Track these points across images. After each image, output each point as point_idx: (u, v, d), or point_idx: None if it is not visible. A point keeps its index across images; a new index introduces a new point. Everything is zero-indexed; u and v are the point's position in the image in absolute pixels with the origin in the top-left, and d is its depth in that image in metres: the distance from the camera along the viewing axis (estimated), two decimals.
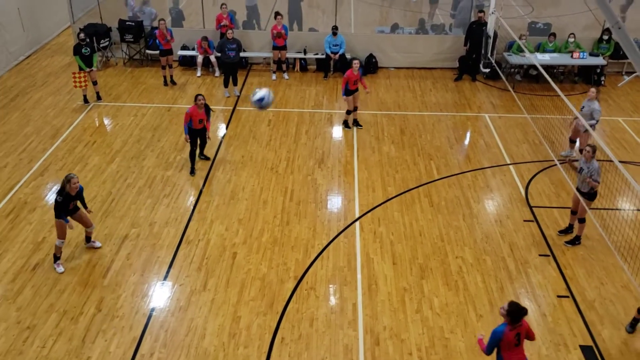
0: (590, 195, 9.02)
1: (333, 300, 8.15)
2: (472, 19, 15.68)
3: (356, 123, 12.97)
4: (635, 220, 9.88)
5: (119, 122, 13.07)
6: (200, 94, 10.68)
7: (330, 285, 8.42)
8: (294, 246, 9.20)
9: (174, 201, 10.29)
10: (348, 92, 12.50)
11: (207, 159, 11.57)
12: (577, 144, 11.57)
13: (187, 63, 16.15)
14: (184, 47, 16.20)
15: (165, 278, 8.54)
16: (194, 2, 19.09)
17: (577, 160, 10.40)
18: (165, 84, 14.99)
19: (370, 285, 8.42)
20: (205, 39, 15.35)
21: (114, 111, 13.62)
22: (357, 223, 9.80)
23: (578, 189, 9.11)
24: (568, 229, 9.57)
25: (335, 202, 10.38)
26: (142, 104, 14.00)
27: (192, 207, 10.12)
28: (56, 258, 8.68)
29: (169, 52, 14.76)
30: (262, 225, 9.69)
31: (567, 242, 9.35)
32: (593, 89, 11.26)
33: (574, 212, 9.41)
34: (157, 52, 15.06)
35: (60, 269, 8.63)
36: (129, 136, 12.47)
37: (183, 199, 10.34)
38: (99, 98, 14.00)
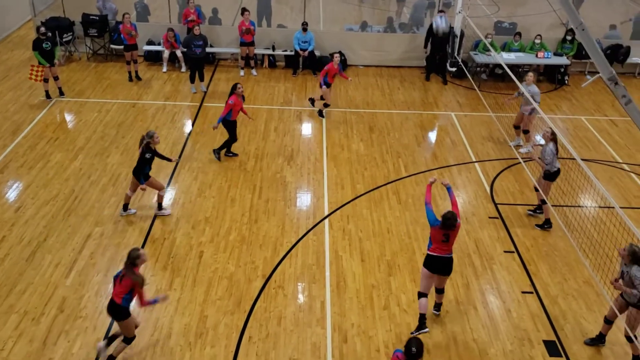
0: (546, 175, 9.50)
1: (301, 299, 8.13)
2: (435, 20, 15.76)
3: (320, 113, 13.31)
4: (596, 217, 10.12)
5: (82, 118, 12.78)
6: (238, 83, 10.91)
7: (299, 283, 8.39)
8: (262, 244, 9.14)
9: (139, 199, 10.10)
10: (327, 84, 12.81)
11: (235, 155, 11.57)
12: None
13: (153, 58, 15.90)
14: (150, 42, 15.93)
15: None
16: None
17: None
18: (130, 79, 14.72)
19: (338, 283, 8.43)
20: (171, 30, 15.13)
21: (77, 107, 13.31)
22: (326, 220, 9.79)
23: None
24: (537, 209, 10.03)
25: (304, 200, 10.35)
26: (107, 99, 13.72)
27: (157, 205, 9.95)
28: (125, 206, 9.60)
29: (134, 47, 14.49)
30: (229, 223, 9.60)
31: (538, 226, 9.78)
32: (531, 74, 11.78)
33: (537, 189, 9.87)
34: (122, 47, 14.77)
35: (132, 210, 9.66)
36: (93, 132, 12.20)
37: (148, 197, 10.17)
38: (61, 93, 13.66)
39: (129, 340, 6.92)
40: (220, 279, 8.41)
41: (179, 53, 15.35)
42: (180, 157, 11.39)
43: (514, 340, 7.59)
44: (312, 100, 13.54)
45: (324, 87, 12.84)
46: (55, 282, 8.22)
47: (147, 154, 9.14)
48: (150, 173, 9.44)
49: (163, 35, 15.29)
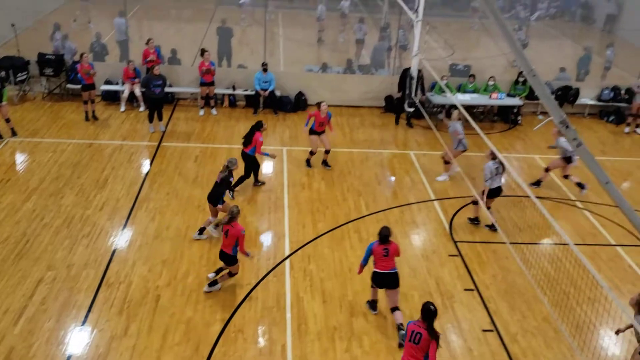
0: (488, 193, 10.59)
1: (262, 342, 7.95)
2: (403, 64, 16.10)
3: (325, 163, 12.90)
4: (552, 254, 10.32)
5: (36, 159, 12.44)
6: (262, 121, 11.47)
7: (259, 327, 8.21)
8: (221, 287, 8.95)
9: (94, 242, 9.82)
10: (312, 131, 12.53)
11: (263, 183, 11.98)
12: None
13: (110, 98, 15.72)
14: (108, 82, 15.78)
15: (83, 323, 8.06)
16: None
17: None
18: (87, 119, 14.48)
19: (299, 325, 8.29)
20: (131, 61, 15.08)
21: (31, 147, 12.97)
22: (287, 261, 9.69)
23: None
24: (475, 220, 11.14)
25: (264, 240, 10.24)
26: (62, 139, 13.43)
27: (113, 248, 9.69)
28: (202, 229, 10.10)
29: (92, 86, 14.33)
30: (187, 266, 9.39)
31: (469, 219, 11.09)
32: (456, 111, 12.42)
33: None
34: (79, 86, 14.58)
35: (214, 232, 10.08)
36: (47, 173, 11.88)
37: (103, 239, 9.90)
38: (14, 134, 13.31)
39: (233, 275, 8.88)
40: (177, 323, 8.17)
41: (137, 92, 15.24)
42: (137, 197, 11.17)
43: None
44: (307, 161, 12.92)
45: (310, 136, 12.55)
46: (2, 331, 7.82)
47: (231, 177, 10.15)
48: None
49: (123, 68, 15.17)
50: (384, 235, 8.05)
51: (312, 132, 12.57)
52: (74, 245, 9.69)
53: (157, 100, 13.88)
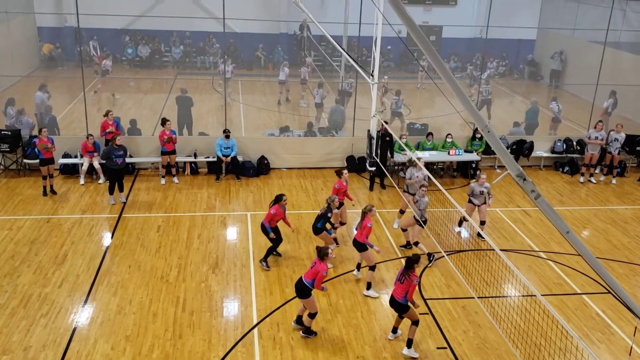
0: (419, 222, 11.50)
1: None
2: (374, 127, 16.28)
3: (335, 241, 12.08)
4: (520, 306, 10.34)
5: None
6: (284, 195, 11.30)
7: None
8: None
9: (53, 321, 9.40)
10: (340, 204, 12.00)
11: (279, 254, 11.75)
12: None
13: (69, 171, 15.47)
14: (66, 155, 15.57)
15: None
16: (76, 110, 18.72)
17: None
18: (45, 194, 14.16)
19: None
20: (91, 135, 14.96)
21: None
22: (256, 330, 9.43)
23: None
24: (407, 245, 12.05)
25: (231, 309, 9.98)
26: (18, 216, 13.05)
27: (73, 326, 9.28)
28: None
29: (51, 161, 14.10)
30: (152, 340, 9.03)
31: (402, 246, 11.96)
32: (483, 175, 12.94)
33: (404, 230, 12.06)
34: (37, 161, 14.33)
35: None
36: (2, 252, 11.45)
37: (63, 318, 9.48)
38: None
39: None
40: None
41: (96, 164, 15.06)
42: (98, 271, 10.83)
43: None
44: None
45: (336, 210, 11.75)
46: None
47: (329, 213, 11.19)
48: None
49: (82, 142, 15.01)
50: (318, 251, 8.98)
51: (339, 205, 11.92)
52: (32, 326, 9.25)
53: (119, 171, 13.72)
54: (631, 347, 9.14)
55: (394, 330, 9.46)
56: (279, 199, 11.23)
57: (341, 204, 12.22)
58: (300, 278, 9.06)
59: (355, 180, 16.06)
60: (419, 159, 12.78)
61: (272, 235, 11.27)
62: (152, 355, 8.69)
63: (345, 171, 12.47)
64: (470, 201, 12.75)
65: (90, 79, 21.37)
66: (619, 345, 9.36)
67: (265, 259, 11.35)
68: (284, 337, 9.25)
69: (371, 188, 15.57)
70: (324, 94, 20.28)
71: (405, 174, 12.77)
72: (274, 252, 11.60)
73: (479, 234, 12.36)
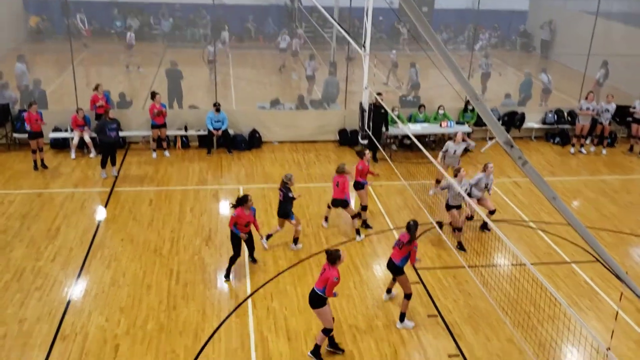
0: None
1: None
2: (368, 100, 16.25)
3: (366, 225, 12.04)
4: (511, 275, 10.49)
5: None
6: (249, 195, 9.82)
7: None
8: (182, 332, 8.71)
9: (47, 294, 9.45)
10: (359, 185, 11.74)
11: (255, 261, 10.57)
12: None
13: (60, 145, 15.38)
14: (56, 129, 15.46)
15: None
16: (65, 83, 18.52)
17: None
18: (36, 168, 14.10)
19: None
20: (80, 109, 14.84)
21: None
22: (249, 300, 9.53)
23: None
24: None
25: (225, 281, 10.05)
26: (9, 190, 13.01)
27: (67, 299, 9.34)
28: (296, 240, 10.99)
29: (39, 134, 13.99)
30: (146, 312, 9.11)
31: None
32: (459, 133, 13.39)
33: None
34: (26, 135, 14.23)
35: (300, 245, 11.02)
36: None
37: (57, 291, 9.54)
38: None
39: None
40: None
41: (87, 138, 14.97)
42: (90, 245, 10.86)
43: None
44: (365, 223, 12.04)
45: (357, 190, 11.82)
46: None
47: (290, 193, 10.56)
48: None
49: (72, 116, 14.89)
50: (328, 255, 8.08)
51: (359, 185, 11.71)
52: (26, 299, 9.30)
53: (112, 144, 13.66)
54: (617, 312, 9.32)
55: (388, 291, 9.67)
56: (243, 201, 9.79)
57: (363, 186, 11.73)
58: (313, 288, 8.18)
59: (348, 153, 16.07)
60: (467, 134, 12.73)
61: (244, 236, 9.92)
62: (147, 327, 8.78)
63: (368, 151, 11.98)
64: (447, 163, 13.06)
65: (78, 52, 21.09)
66: (606, 312, 9.54)
67: (227, 273, 10.06)
68: (278, 308, 9.35)
69: (374, 158, 15.60)
70: (315, 66, 20.15)
71: (443, 148, 12.96)
72: (251, 258, 10.54)
73: (484, 225, 12.04)
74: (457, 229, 11.31)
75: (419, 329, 8.96)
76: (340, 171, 11.24)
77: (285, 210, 10.82)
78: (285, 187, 10.70)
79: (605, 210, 13.22)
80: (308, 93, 19.59)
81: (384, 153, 15.16)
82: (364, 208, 12.02)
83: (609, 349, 5.71)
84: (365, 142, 15.81)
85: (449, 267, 10.62)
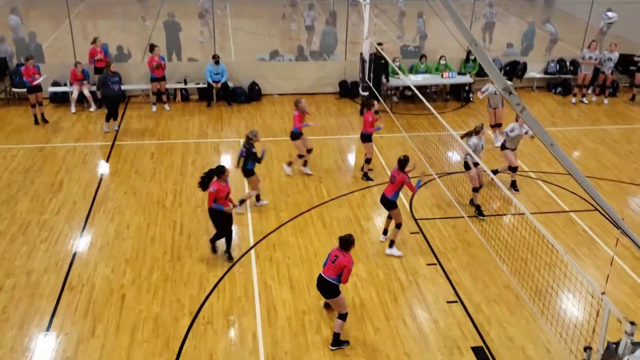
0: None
1: (232, 332, 7.96)
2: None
3: (366, 177, 12.10)
4: (509, 224, 10.62)
5: None
6: (224, 166, 9.14)
7: (228, 317, 8.22)
8: (187, 282, 8.91)
9: (53, 246, 9.62)
10: (367, 137, 11.76)
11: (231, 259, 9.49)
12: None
13: (59, 99, 15.33)
14: (55, 84, 15.37)
15: (48, 329, 7.92)
16: (62, 37, 18.29)
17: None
18: (36, 122, 14.10)
19: (269, 312, 8.33)
20: (79, 63, 14.72)
21: None
22: (252, 251, 9.70)
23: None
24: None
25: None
26: (11, 145, 13.05)
27: (73, 251, 9.51)
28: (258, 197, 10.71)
29: (38, 89, 13.93)
30: (151, 263, 9.30)
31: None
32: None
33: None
34: (25, 89, 14.16)
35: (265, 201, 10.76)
36: None
37: (63, 243, 9.70)
38: None
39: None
40: (145, 320, 8.10)
41: (86, 92, 14.90)
42: (94, 199, 10.98)
43: (443, 350, 7.76)
44: (366, 175, 12.08)
45: (365, 143, 11.84)
46: None
47: (253, 149, 10.19)
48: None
49: (71, 70, 14.78)
50: (342, 241, 7.50)
51: (367, 137, 11.75)
52: (33, 251, 9.48)
53: (116, 98, 13.65)
54: (612, 258, 9.49)
55: (385, 232, 9.97)
56: (220, 172, 9.02)
57: (371, 138, 11.80)
58: (320, 276, 7.63)
59: (348, 106, 16.01)
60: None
61: (229, 209, 9.10)
62: (152, 277, 8.98)
63: (376, 102, 11.82)
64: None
65: (74, 5, 20.72)
66: (603, 259, 9.71)
67: (227, 249, 9.39)
68: (280, 258, 9.53)
69: (362, 112, 15.51)
70: (315, 16, 19.83)
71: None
72: (211, 242, 9.49)
73: (513, 184, 11.83)
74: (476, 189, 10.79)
75: (418, 277, 9.15)
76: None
77: (248, 167, 10.39)
78: (248, 142, 10.27)
79: (605, 159, 13.26)
80: (307, 44, 19.35)
81: (384, 105, 15.09)
82: (368, 161, 12.07)
83: (604, 293, 5.85)
84: (366, 93, 15.72)
85: (449, 217, 10.75)
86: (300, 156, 12.05)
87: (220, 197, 8.99)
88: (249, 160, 10.35)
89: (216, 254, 9.49)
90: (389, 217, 9.87)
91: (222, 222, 9.21)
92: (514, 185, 11.74)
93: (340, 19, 19.20)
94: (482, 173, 10.94)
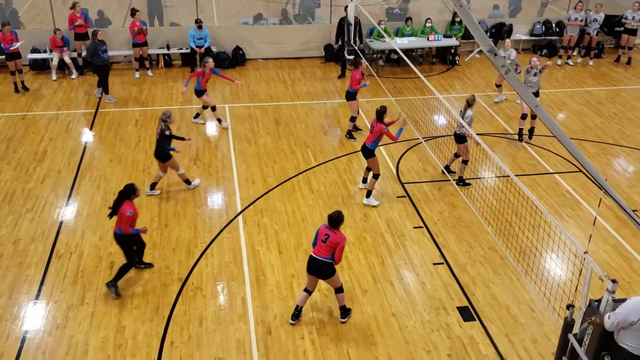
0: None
1: (221, 297, 8.04)
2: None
3: (350, 135, 12.20)
4: (494, 187, 10.73)
5: None
6: (133, 185, 7.99)
7: (217, 283, 8.29)
8: (175, 248, 8.94)
9: (39, 215, 9.58)
10: (353, 95, 11.81)
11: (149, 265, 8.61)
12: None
13: (39, 67, 15.04)
14: (35, 50, 15.05)
15: (37, 297, 7.94)
16: (39, 2, 17.83)
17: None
18: (17, 90, 13.85)
19: (258, 277, 8.41)
20: (58, 30, 14.41)
21: None
22: (240, 217, 9.73)
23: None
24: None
25: (215, 199, 10.21)
26: None
27: (59, 219, 9.48)
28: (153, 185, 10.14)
29: (17, 55, 13.64)
30: None
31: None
32: (508, 40, 13.27)
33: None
34: (3, 57, 13.85)
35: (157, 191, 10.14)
36: None
37: (49, 212, 9.66)
38: None
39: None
40: (134, 287, 8.15)
41: (67, 59, 14.63)
42: (79, 167, 10.88)
43: (430, 310, 7.91)
44: (349, 133, 12.18)
45: (353, 101, 11.83)
46: None
47: (167, 131, 9.67)
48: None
49: (50, 37, 14.47)
50: (332, 219, 7.21)
51: (351, 95, 11.83)
52: (18, 220, 9.43)
53: (106, 66, 13.46)
54: (595, 217, 9.65)
55: (364, 181, 10.36)
56: (132, 192, 7.90)
57: (356, 96, 11.84)
58: (312, 257, 7.32)
59: (334, 70, 15.88)
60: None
61: (145, 229, 7.99)
62: None
63: (363, 61, 11.69)
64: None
65: None
66: (586, 220, 9.87)
67: (115, 282, 7.96)
68: (268, 223, 9.57)
69: (343, 75, 15.41)
70: None
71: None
72: (140, 265, 8.44)
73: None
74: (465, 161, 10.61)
75: (405, 240, 9.26)
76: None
77: (161, 150, 9.80)
78: (162, 123, 9.71)
79: (589, 121, 13.35)
80: (292, 8, 19.05)
81: (370, 69, 15.00)
82: (353, 119, 12.10)
83: (587, 252, 5.96)
84: (352, 57, 15.57)
85: (435, 180, 10.82)
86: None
87: (134, 220, 7.92)
88: (165, 142, 9.71)
89: (119, 297, 7.97)
90: (368, 169, 10.13)
91: (136, 244, 8.20)
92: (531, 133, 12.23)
93: None
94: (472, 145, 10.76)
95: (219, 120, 12.52)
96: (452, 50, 16.38)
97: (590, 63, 16.65)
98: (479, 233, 9.44)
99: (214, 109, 12.45)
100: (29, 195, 10.09)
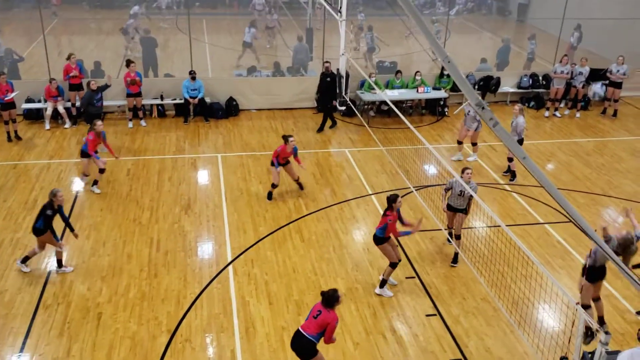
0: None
1: (210, 350, 7.89)
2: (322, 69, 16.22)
3: (269, 196, 11.80)
4: (486, 237, 10.74)
5: None
6: None
7: (207, 334, 8.15)
8: (164, 299, 8.81)
9: (27, 265, 9.44)
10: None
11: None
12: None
13: (33, 116, 15.14)
14: (29, 100, 15.19)
15: (21, 350, 7.76)
16: (36, 53, 18.13)
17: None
18: (9, 139, 13.89)
19: (247, 329, 8.28)
20: (54, 79, 14.56)
21: None
22: (230, 267, 9.65)
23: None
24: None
25: (205, 248, 10.15)
26: None
27: (47, 269, 9.35)
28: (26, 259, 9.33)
29: (11, 105, 13.74)
30: (127, 280, 9.18)
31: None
32: (516, 107, 12.90)
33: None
34: None
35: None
36: None
37: (37, 262, 9.53)
38: None
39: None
40: (122, 339, 7.98)
41: (61, 109, 14.75)
42: (69, 215, 10.82)
43: None
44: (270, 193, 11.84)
45: (274, 168, 11.47)
46: None
47: (48, 210, 8.97)
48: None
49: (45, 87, 14.63)
50: (325, 297, 6.79)
51: (276, 164, 11.54)
52: (5, 270, 9.30)
53: (99, 115, 13.73)
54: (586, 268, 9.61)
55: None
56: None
57: (280, 164, 11.59)
58: (298, 331, 6.89)
59: (327, 122, 16.05)
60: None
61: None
62: (129, 295, 8.86)
63: (292, 139, 11.45)
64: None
65: (48, 21, 20.59)
66: (577, 270, 9.83)
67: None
68: (258, 273, 9.49)
69: (320, 129, 15.37)
70: (255, 34, 19.91)
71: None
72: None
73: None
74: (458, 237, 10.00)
75: (397, 291, 9.18)
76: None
77: (37, 226, 9.07)
78: (49, 202, 9.05)
79: (577, 172, 13.52)
80: (238, 59, 19.34)
81: (361, 119, 15.23)
82: (274, 186, 11.67)
83: (579, 303, 5.94)
84: (343, 108, 15.83)
85: (426, 230, 10.83)
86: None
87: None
88: (39, 218, 9.05)
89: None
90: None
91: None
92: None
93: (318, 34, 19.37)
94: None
95: (95, 183, 11.77)
96: (441, 102, 16.69)
97: (577, 115, 16.98)
98: (471, 284, 9.39)
99: (102, 171, 11.76)
100: (17, 244, 9.99)
